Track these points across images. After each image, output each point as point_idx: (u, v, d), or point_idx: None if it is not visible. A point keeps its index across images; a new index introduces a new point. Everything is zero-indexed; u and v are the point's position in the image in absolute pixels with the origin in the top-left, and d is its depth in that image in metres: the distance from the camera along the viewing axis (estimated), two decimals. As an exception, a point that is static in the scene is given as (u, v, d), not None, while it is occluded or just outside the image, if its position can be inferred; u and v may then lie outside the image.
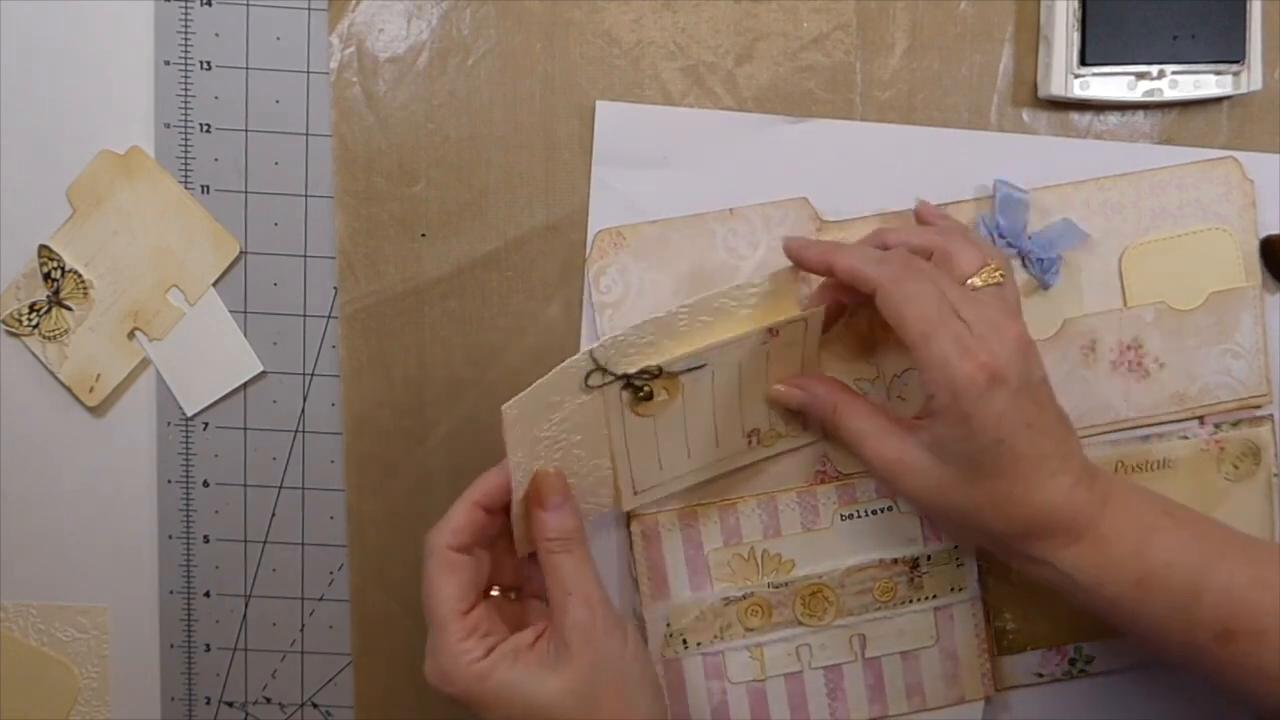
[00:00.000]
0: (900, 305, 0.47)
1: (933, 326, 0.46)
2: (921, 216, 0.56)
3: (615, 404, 0.51)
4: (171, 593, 0.60)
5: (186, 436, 0.60)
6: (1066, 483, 0.47)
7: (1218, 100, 0.57)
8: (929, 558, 0.58)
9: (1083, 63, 0.55)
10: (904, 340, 0.47)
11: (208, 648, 0.61)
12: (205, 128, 0.58)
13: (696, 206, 0.57)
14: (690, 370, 0.51)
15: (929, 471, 0.48)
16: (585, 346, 0.49)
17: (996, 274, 0.49)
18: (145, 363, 0.59)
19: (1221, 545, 0.48)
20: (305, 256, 0.58)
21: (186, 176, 0.58)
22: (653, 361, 0.50)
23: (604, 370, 0.49)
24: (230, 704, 0.61)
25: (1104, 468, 0.51)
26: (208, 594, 0.60)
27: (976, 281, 0.49)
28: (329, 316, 0.59)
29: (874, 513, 0.58)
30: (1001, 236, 0.56)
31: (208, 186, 0.58)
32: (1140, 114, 0.57)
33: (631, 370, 0.50)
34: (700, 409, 0.53)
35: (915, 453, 0.48)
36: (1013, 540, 0.49)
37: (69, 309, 0.58)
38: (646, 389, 0.50)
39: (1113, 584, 0.47)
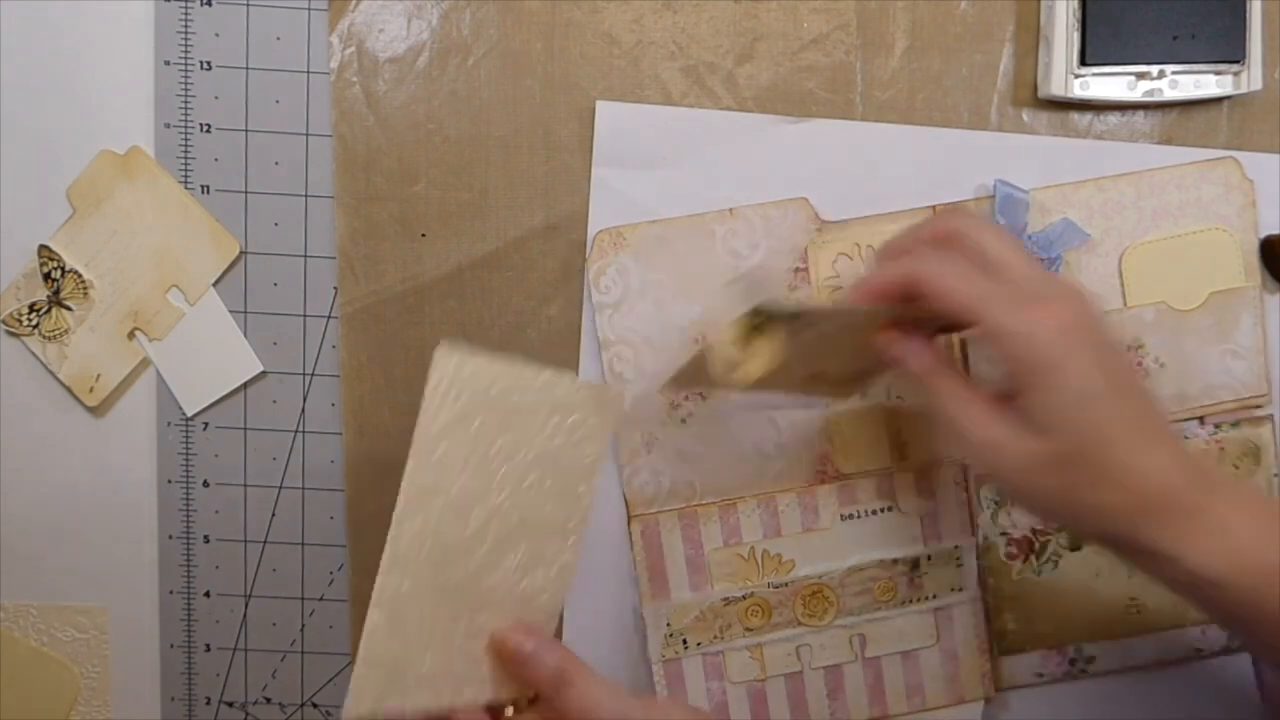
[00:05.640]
0: (937, 281, 0.46)
1: (987, 292, 0.45)
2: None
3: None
4: (171, 593, 0.60)
5: (186, 436, 0.60)
6: (1166, 454, 0.44)
7: (1218, 100, 0.57)
8: (929, 558, 0.58)
9: (1083, 63, 0.55)
10: (962, 319, 0.45)
11: (208, 648, 0.61)
12: (205, 128, 0.58)
13: (696, 206, 0.57)
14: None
15: (1021, 448, 0.45)
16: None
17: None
18: (145, 363, 0.59)
19: None
20: (305, 256, 0.58)
21: (186, 176, 0.58)
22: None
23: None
24: (230, 704, 0.61)
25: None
26: (208, 594, 0.60)
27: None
28: (329, 316, 0.59)
29: (874, 513, 0.58)
30: (1001, 236, 0.56)
31: (208, 186, 0.58)
32: (1140, 114, 0.57)
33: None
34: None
35: (1007, 431, 0.46)
36: (1119, 522, 0.45)
37: (69, 309, 0.58)
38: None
39: (1249, 575, 0.43)
